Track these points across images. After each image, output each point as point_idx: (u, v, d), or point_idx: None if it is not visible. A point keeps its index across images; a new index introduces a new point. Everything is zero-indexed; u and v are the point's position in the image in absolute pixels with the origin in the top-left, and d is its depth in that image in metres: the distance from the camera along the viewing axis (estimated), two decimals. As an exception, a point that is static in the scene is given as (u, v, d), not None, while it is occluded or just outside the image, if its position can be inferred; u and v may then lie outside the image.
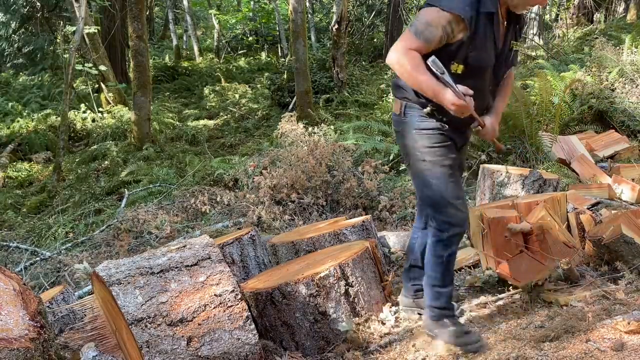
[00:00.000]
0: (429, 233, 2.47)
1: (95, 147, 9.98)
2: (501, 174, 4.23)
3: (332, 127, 7.10)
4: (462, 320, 2.59)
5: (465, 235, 3.71)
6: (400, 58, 2.21)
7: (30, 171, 9.56)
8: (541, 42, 13.59)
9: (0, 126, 11.42)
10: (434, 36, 2.18)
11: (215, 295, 2.18)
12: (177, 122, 11.91)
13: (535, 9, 14.26)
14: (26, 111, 12.35)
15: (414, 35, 2.20)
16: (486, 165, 4.60)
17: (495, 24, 2.23)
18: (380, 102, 10.30)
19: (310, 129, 6.31)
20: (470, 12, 2.15)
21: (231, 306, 2.18)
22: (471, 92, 2.20)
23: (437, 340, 2.42)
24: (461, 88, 2.16)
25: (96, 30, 11.22)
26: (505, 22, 2.32)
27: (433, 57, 2.15)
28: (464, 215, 2.39)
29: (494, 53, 2.28)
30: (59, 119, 10.02)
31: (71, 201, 7.32)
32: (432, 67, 2.15)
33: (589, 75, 7.54)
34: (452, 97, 2.14)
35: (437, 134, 2.33)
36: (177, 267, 2.23)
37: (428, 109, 2.30)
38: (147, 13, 13.82)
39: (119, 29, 14.23)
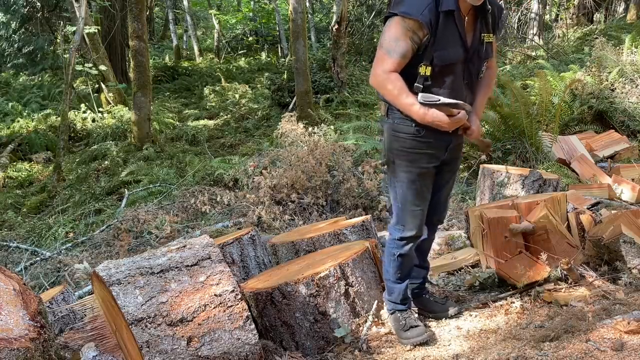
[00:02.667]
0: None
1: (95, 147, 9.98)
2: (501, 174, 4.24)
3: (332, 127, 7.11)
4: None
5: (465, 235, 3.72)
6: (382, 84, 2.26)
7: (30, 171, 9.56)
8: (541, 42, 13.60)
9: (0, 126, 11.42)
10: (406, 49, 2.21)
11: (215, 295, 2.18)
12: (177, 122, 11.91)
13: (535, 8, 14.27)
14: (26, 111, 12.36)
15: (387, 55, 2.23)
16: (486, 165, 4.60)
17: (457, 19, 2.23)
18: (381, 102, 10.29)
19: (310, 129, 6.31)
20: (428, 15, 2.16)
21: (231, 306, 2.18)
22: (469, 107, 2.26)
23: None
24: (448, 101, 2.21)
25: (96, 30, 11.22)
26: (470, 16, 2.28)
27: (421, 94, 2.19)
28: (418, 222, 2.46)
29: (461, 48, 2.27)
30: (59, 119, 10.02)
31: (71, 201, 7.32)
32: (426, 104, 2.20)
33: (589, 75, 7.54)
34: (441, 116, 2.21)
35: (411, 140, 2.36)
36: (177, 267, 2.23)
37: None
38: (147, 13, 13.81)
39: (119, 29, 14.24)
